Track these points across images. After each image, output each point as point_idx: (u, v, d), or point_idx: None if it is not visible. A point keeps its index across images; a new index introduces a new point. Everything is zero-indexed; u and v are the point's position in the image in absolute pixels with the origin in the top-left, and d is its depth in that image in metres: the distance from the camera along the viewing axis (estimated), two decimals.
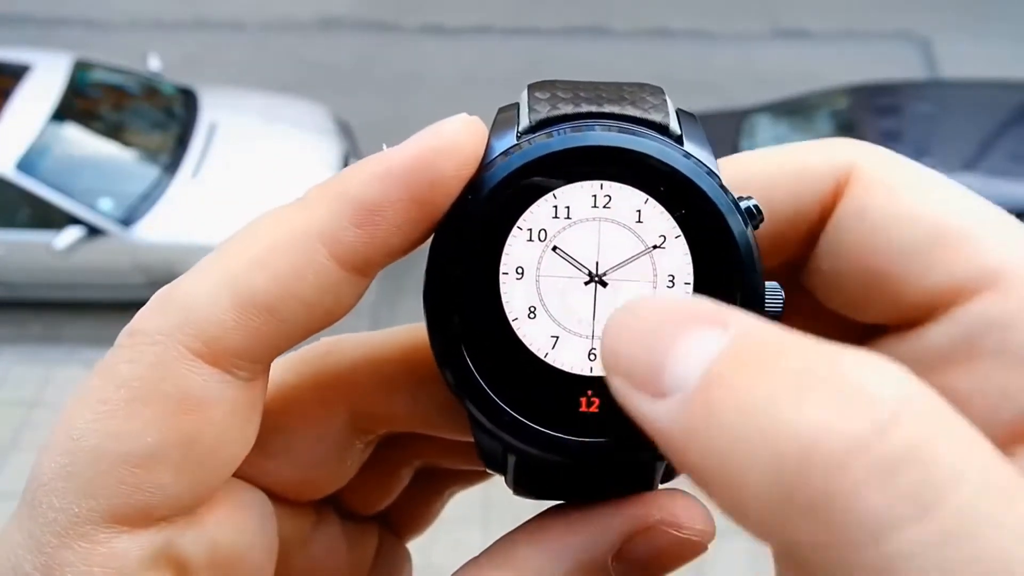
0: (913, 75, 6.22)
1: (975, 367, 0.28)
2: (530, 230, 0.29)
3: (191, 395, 0.29)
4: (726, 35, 6.92)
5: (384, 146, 0.31)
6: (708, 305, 0.24)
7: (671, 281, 0.28)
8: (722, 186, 0.30)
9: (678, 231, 0.29)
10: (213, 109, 5.20)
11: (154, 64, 5.42)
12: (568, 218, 0.29)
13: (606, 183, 0.29)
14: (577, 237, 0.29)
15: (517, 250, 0.29)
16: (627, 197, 0.29)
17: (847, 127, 4.62)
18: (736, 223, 0.29)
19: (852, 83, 4.88)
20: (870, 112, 4.60)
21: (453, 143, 0.30)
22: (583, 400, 0.28)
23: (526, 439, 0.28)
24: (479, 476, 0.43)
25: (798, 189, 0.31)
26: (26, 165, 4.57)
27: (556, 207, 0.29)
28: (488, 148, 0.30)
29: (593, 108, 0.30)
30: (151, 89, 5.22)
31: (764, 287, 0.29)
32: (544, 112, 0.30)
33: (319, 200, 0.30)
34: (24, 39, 5.90)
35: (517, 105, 0.32)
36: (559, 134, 0.30)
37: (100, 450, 0.29)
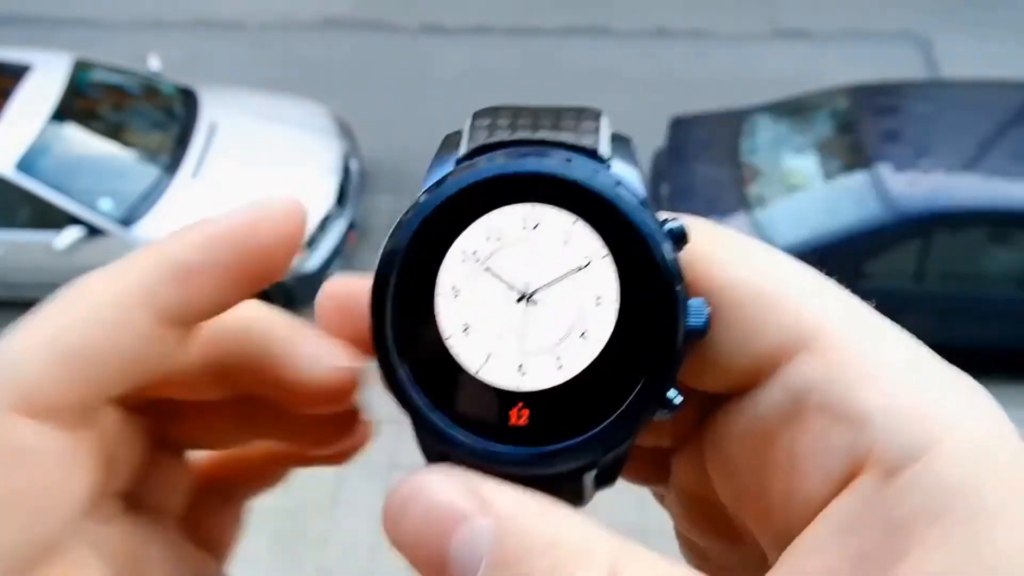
0: (913, 75, 6.22)
1: (804, 427, 0.29)
2: (464, 251, 0.30)
3: (10, 449, 0.29)
4: (726, 35, 6.92)
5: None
6: (470, 500, 0.27)
7: (597, 300, 0.30)
8: (646, 207, 0.31)
9: (605, 251, 0.30)
10: (213, 109, 5.20)
11: (154, 64, 5.42)
12: (500, 239, 0.30)
13: (536, 206, 0.31)
14: (508, 257, 0.30)
15: (452, 270, 0.30)
16: (555, 219, 0.30)
17: (847, 127, 4.62)
18: (657, 244, 0.30)
19: (852, 83, 4.88)
20: (870, 112, 4.60)
21: (273, 219, 0.32)
22: (512, 413, 0.29)
23: (460, 448, 0.30)
24: (273, 471, 0.42)
25: None
26: (26, 165, 4.57)
27: (489, 229, 0.30)
28: (429, 174, 0.33)
29: (527, 135, 0.32)
30: (151, 89, 5.22)
31: (686, 305, 0.30)
32: (481, 139, 0.33)
33: (142, 260, 0.32)
34: (24, 39, 5.89)
35: (461, 132, 0.35)
36: (492, 161, 0.31)
37: None
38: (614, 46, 6.85)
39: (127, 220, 4.71)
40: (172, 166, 4.89)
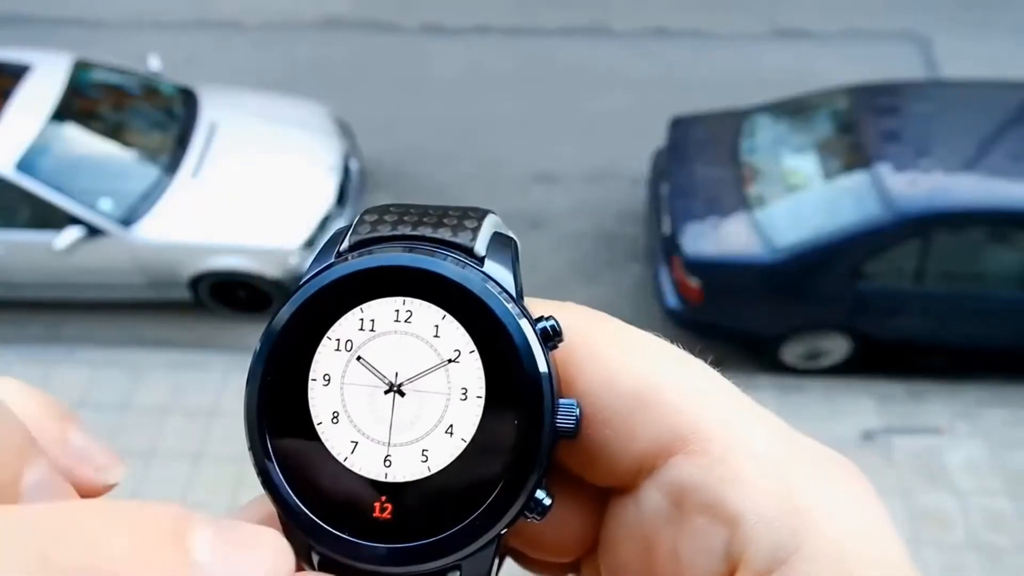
0: (913, 75, 6.22)
1: (684, 528, 0.29)
2: (338, 340, 0.30)
3: None
4: (726, 35, 6.92)
5: None
6: None
7: (464, 394, 0.29)
8: (517, 305, 0.31)
9: (472, 346, 0.30)
10: (213, 109, 5.20)
11: (154, 64, 5.42)
12: (372, 331, 0.31)
13: (408, 299, 0.31)
14: (380, 348, 0.30)
15: (325, 358, 0.30)
16: (426, 313, 0.31)
17: (847, 127, 4.62)
18: (524, 341, 0.30)
19: (852, 83, 4.88)
20: (870, 112, 4.60)
21: None
22: (376, 505, 0.29)
23: (323, 541, 0.29)
24: None
25: None
26: (26, 165, 4.57)
27: (362, 320, 0.31)
28: (311, 265, 0.33)
29: (408, 231, 0.33)
30: (151, 89, 5.22)
31: (555, 405, 0.30)
32: (363, 234, 0.33)
33: None
34: (24, 39, 5.90)
35: (349, 227, 0.34)
36: (369, 254, 0.32)
37: None
38: (614, 46, 6.84)
39: (127, 220, 4.70)
40: (172, 166, 4.89)
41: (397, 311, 0.31)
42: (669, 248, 4.61)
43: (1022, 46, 6.53)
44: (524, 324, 0.31)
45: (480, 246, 0.32)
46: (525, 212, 5.23)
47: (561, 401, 0.30)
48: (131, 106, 5.14)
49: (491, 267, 0.32)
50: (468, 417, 0.30)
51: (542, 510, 0.30)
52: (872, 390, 4.56)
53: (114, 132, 4.99)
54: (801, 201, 4.48)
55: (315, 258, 0.33)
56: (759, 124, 4.88)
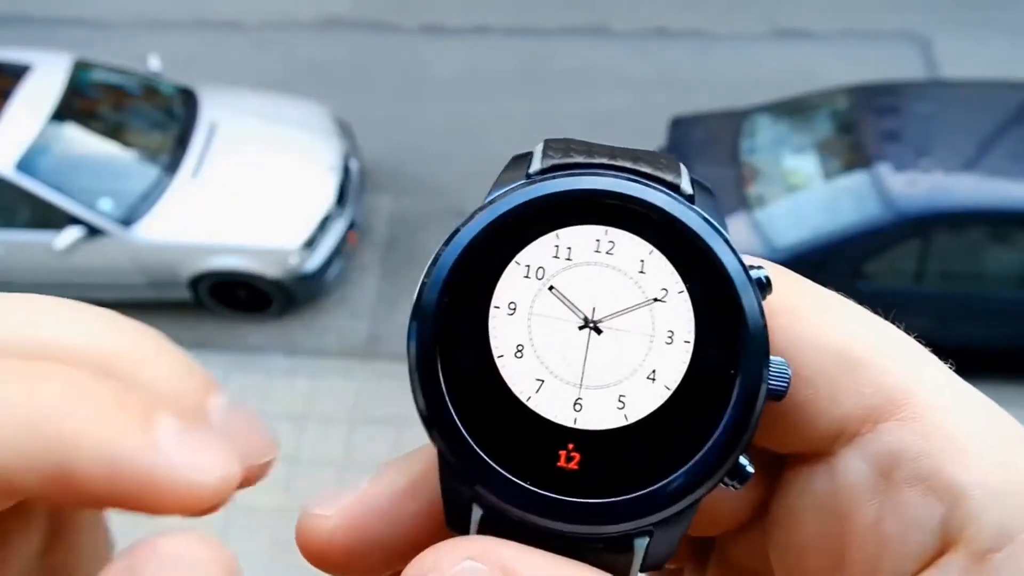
0: (913, 75, 6.22)
1: (892, 500, 0.27)
2: (528, 266, 0.28)
3: None
4: (726, 35, 6.92)
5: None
6: None
7: (670, 337, 0.27)
8: (733, 249, 0.29)
9: (682, 287, 0.28)
10: (213, 109, 5.20)
11: (154, 64, 5.42)
12: (569, 259, 0.28)
13: (611, 229, 0.28)
14: (576, 280, 0.28)
15: (512, 285, 0.27)
16: (631, 246, 0.28)
17: (847, 127, 4.62)
18: (745, 289, 0.28)
19: (852, 83, 4.88)
20: (870, 112, 4.60)
21: None
22: (563, 454, 0.26)
23: (495, 488, 0.26)
24: None
25: None
26: (26, 165, 4.57)
27: (557, 247, 0.28)
28: (493, 189, 0.30)
29: (605, 160, 0.30)
30: (151, 89, 5.22)
31: (768, 361, 0.27)
32: (556, 158, 0.29)
33: None
34: (24, 39, 5.90)
35: (531, 153, 0.31)
36: (568, 176, 0.29)
37: None
38: (614, 46, 6.85)
39: (127, 220, 4.71)
40: (172, 166, 4.89)
41: (598, 240, 0.28)
42: None
43: (1022, 46, 6.53)
44: (743, 271, 0.28)
45: (686, 185, 0.29)
46: None
47: (774, 359, 0.27)
48: (131, 106, 5.14)
49: (702, 207, 0.29)
50: (674, 363, 0.26)
51: (743, 477, 0.27)
52: None
53: (114, 132, 5.00)
54: (801, 201, 4.48)
55: (496, 184, 0.30)
56: (759, 124, 4.89)
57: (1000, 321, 4.43)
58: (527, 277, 0.27)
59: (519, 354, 0.26)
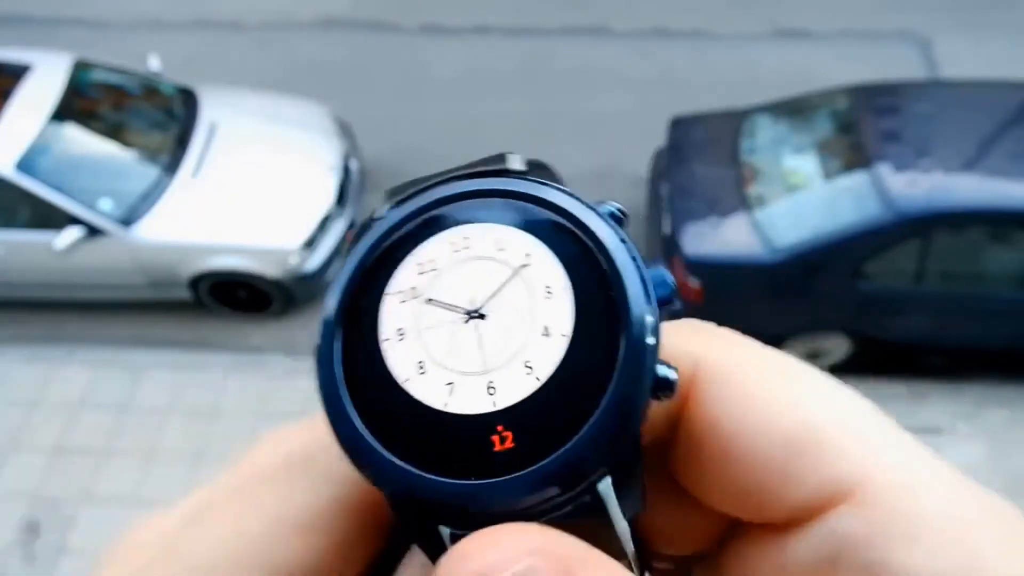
0: (913, 75, 6.22)
1: None
2: (400, 292, 0.29)
3: None
4: (726, 35, 6.92)
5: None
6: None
7: (548, 292, 0.27)
8: (571, 193, 0.29)
9: (541, 245, 0.28)
10: (213, 109, 5.20)
11: (154, 64, 5.42)
12: (434, 269, 0.29)
13: (459, 227, 0.29)
14: (447, 283, 0.28)
15: (393, 314, 0.28)
16: (482, 232, 0.29)
17: (847, 127, 4.62)
18: (596, 221, 0.28)
19: (852, 83, 4.88)
20: (870, 112, 4.60)
21: None
22: (495, 439, 0.26)
23: (453, 498, 0.26)
24: None
25: None
26: (26, 165, 4.57)
27: (420, 263, 0.29)
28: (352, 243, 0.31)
29: (436, 177, 0.31)
30: (151, 89, 5.22)
31: (645, 278, 0.28)
32: (394, 199, 0.32)
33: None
34: (24, 39, 5.90)
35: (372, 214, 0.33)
36: (401, 205, 0.31)
37: None
38: (614, 46, 6.85)
39: (127, 220, 4.71)
40: (172, 166, 4.89)
41: (452, 242, 0.29)
42: (669, 248, 4.61)
43: (1022, 46, 6.53)
44: (586, 207, 0.29)
45: (516, 164, 0.31)
46: None
47: (654, 272, 0.28)
48: (131, 106, 5.14)
49: (535, 175, 0.31)
50: (561, 313, 0.27)
51: (670, 385, 0.27)
52: (872, 390, 4.56)
53: (114, 132, 5.00)
54: (801, 201, 4.48)
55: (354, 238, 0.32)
56: (759, 124, 4.88)
57: (1000, 321, 4.43)
58: (404, 302, 0.28)
59: (422, 370, 0.27)
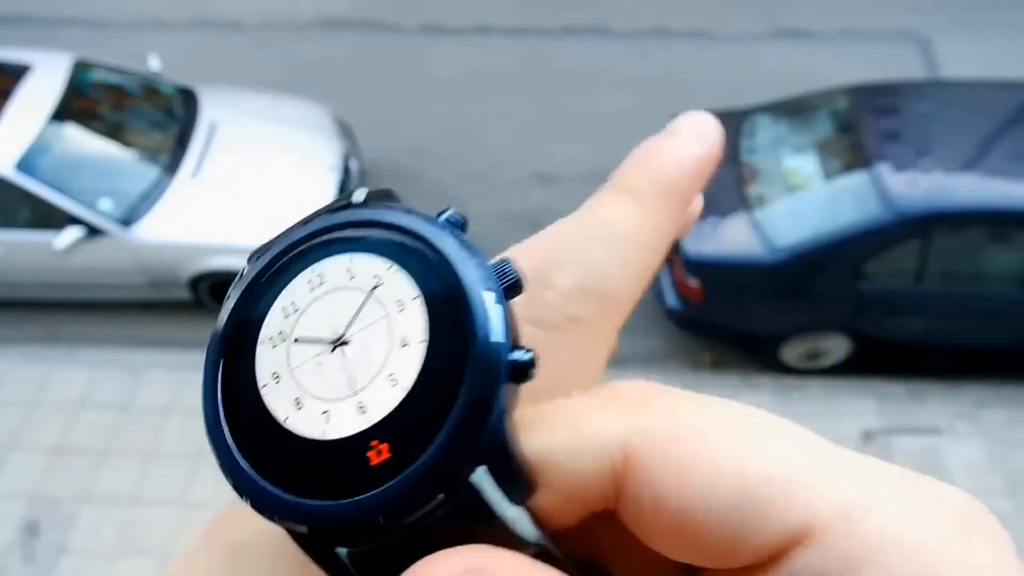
0: (913, 75, 6.22)
1: None
2: (271, 338, 0.30)
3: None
4: (726, 35, 6.92)
5: None
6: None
7: (400, 305, 0.29)
8: (408, 211, 0.31)
9: (388, 263, 0.30)
10: (213, 109, 5.20)
11: (154, 64, 5.42)
12: (297, 310, 0.30)
13: (313, 266, 0.31)
14: (310, 320, 0.30)
15: (266, 361, 0.30)
16: (332, 266, 0.30)
17: (847, 127, 4.62)
18: (434, 231, 0.30)
19: (852, 83, 4.88)
20: (870, 112, 4.60)
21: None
22: (371, 454, 0.27)
23: (340, 519, 0.27)
24: None
25: (574, 479, 0.29)
26: (26, 165, 4.57)
27: (283, 308, 0.30)
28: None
29: (290, 228, 0.33)
30: (151, 89, 5.22)
31: (487, 274, 0.29)
32: (254, 254, 0.33)
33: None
34: (24, 39, 5.90)
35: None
36: (256, 261, 0.32)
37: None
38: (614, 46, 6.85)
39: (127, 220, 4.71)
40: (172, 166, 4.89)
41: (309, 280, 0.30)
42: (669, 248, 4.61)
43: (1022, 46, 6.53)
44: (421, 219, 0.30)
45: (358, 197, 0.32)
46: (525, 212, 5.23)
47: (495, 265, 0.29)
48: (131, 106, 5.14)
49: (374, 204, 0.32)
50: (415, 322, 0.28)
51: (530, 366, 0.28)
52: (872, 390, 4.56)
53: (114, 132, 5.00)
54: (801, 201, 4.48)
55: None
56: (759, 124, 4.89)
57: (1000, 321, 4.43)
58: (275, 347, 0.29)
59: (299, 406, 0.28)
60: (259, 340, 0.30)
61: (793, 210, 4.45)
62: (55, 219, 4.64)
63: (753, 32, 6.95)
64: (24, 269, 4.83)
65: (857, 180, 4.36)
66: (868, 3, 7.08)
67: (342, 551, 0.28)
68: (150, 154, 4.94)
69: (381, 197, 0.32)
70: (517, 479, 0.28)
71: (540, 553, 0.28)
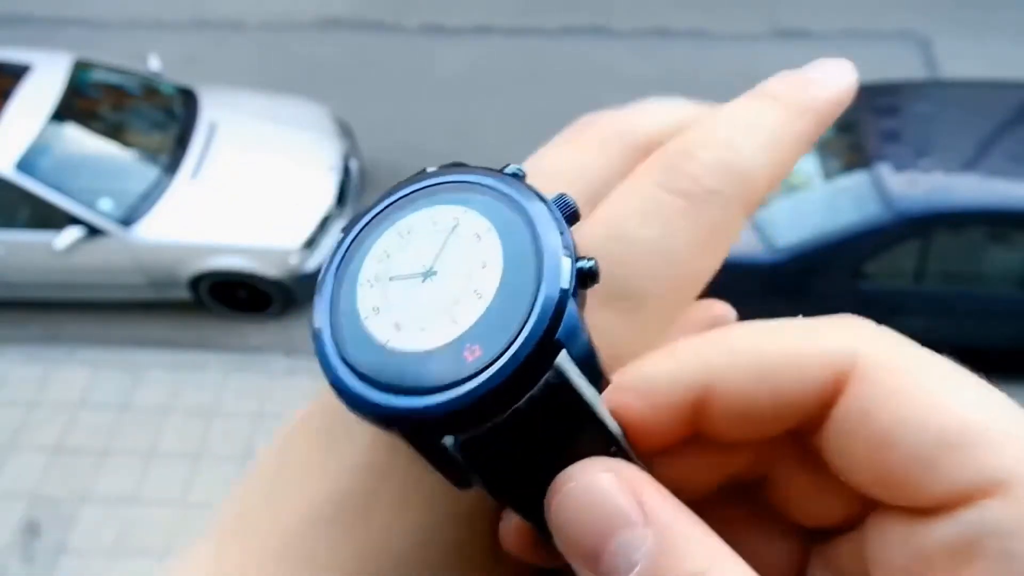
0: (913, 75, 6.22)
1: (973, 570, 0.27)
2: (368, 280, 0.34)
3: None
4: (726, 35, 6.92)
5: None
6: (635, 508, 0.28)
7: (478, 237, 0.33)
8: (476, 168, 0.36)
9: (463, 208, 0.34)
10: (213, 109, 5.20)
11: (154, 64, 5.43)
12: (388, 256, 0.35)
13: (399, 221, 0.35)
14: (401, 260, 0.34)
15: (365, 298, 0.34)
16: (419, 216, 0.35)
17: (847, 127, 4.62)
18: (499, 180, 0.34)
19: None
20: (870, 112, 4.60)
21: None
22: (466, 354, 0.31)
23: (448, 406, 0.31)
24: None
25: (792, 385, 0.31)
26: (26, 165, 4.57)
27: (376, 255, 0.35)
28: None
29: (375, 201, 0.38)
30: (151, 89, 5.22)
31: (549, 206, 0.33)
32: (344, 228, 0.37)
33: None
34: (24, 39, 5.90)
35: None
36: (356, 222, 0.37)
37: None
38: (614, 46, 6.85)
39: (127, 220, 4.71)
40: (172, 166, 4.89)
41: (398, 231, 0.35)
42: None
43: (1022, 46, 6.53)
44: (487, 173, 0.35)
45: (430, 168, 0.37)
46: None
47: (554, 199, 0.34)
48: (131, 106, 5.14)
49: (450, 168, 0.37)
50: (492, 248, 0.33)
51: (590, 273, 0.32)
52: None
53: (114, 132, 5.00)
54: (801, 201, 4.48)
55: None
56: None
57: (1000, 321, 4.43)
58: (372, 287, 0.34)
59: (399, 328, 0.32)
60: (358, 283, 0.34)
61: (793, 210, 4.45)
62: (55, 219, 4.64)
63: (753, 32, 6.95)
64: (24, 269, 4.83)
65: (857, 180, 4.36)
66: (868, 3, 7.08)
67: (448, 440, 0.31)
68: (150, 154, 4.94)
69: (454, 165, 0.37)
70: (594, 366, 0.32)
71: (617, 447, 0.32)
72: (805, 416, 0.31)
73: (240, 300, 5.02)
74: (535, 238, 0.32)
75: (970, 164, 4.33)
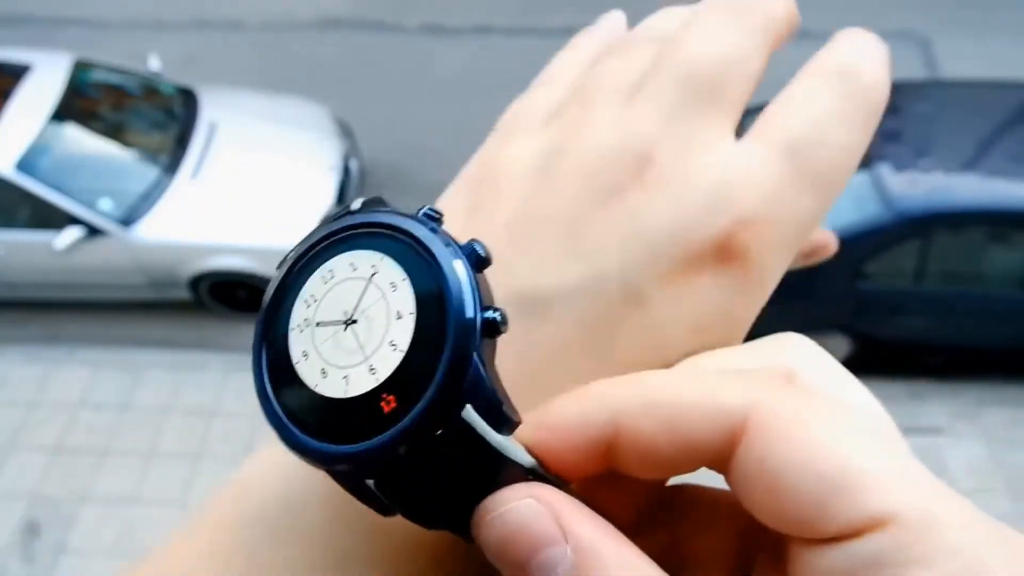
0: (913, 75, 6.22)
1: None
2: (298, 326, 0.36)
3: None
4: None
5: None
6: (551, 524, 0.30)
7: (393, 286, 0.35)
8: (393, 211, 0.37)
9: (381, 255, 0.36)
10: (213, 109, 5.20)
11: (154, 64, 5.43)
12: (315, 301, 0.36)
13: (324, 264, 0.37)
14: (326, 306, 0.36)
15: (296, 342, 0.36)
16: (339, 261, 0.37)
17: None
18: (412, 224, 0.35)
19: None
20: None
21: None
22: (383, 404, 0.33)
23: (365, 455, 0.33)
24: None
25: (694, 434, 0.33)
26: (26, 165, 4.57)
27: (305, 300, 0.36)
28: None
29: (303, 239, 0.39)
30: (151, 89, 5.22)
31: (458, 253, 0.34)
32: (279, 265, 0.39)
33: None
34: (24, 39, 5.90)
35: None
36: (285, 261, 0.38)
37: None
38: None
39: (127, 220, 4.71)
40: (172, 166, 4.89)
41: (323, 276, 0.37)
42: None
43: (1022, 46, 6.53)
44: (402, 216, 0.36)
45: (355, 206, 0.38)
46: None
47: (464, 246, 0.35)
48: (131, 106, 5.14)
49: (368, 209, 0.38)
50: (406, 298, 0.34)
51: (495, 324, 0.33)
52: (872, 390, 4.54)
53: (114, 132, 5.00)
54: None
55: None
56: None
57: (1000, 321, 4.43)
58: (302, 332, 0.36)
59: (324, 375, 0.34)
60: (290, 328, 0.36)
61: None
62: (55, 219, 4.64)
63: None
64: (24, 269, 4.83)
65: (857, 180, 4.36)
66: (868, 3, 7.07)
67: (370, 482, 0.34)
68: (150, 154, 4.94)
69: (374, 204, 0.38)
70: (499, 412, 0.33)
71: (534, 475, 0.34)
72: (710, 461, 0.33)
73: (240, 300, 5.02)
74: (445, 289, 0.34)
75: (970, 164, 4.33)
